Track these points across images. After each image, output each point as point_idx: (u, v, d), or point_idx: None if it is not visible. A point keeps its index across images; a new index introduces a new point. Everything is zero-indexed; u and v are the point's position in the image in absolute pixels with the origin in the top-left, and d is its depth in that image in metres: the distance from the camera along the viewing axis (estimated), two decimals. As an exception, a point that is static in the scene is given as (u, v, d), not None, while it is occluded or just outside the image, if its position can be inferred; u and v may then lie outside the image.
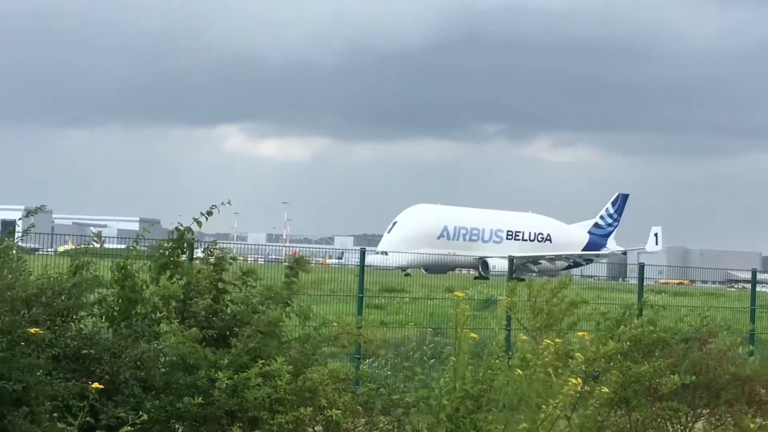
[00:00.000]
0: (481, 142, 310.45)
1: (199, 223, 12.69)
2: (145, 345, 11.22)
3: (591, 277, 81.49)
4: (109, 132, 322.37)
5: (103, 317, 11.79)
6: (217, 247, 13.14)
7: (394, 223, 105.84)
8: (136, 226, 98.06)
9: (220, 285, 12.51)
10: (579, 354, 11.37)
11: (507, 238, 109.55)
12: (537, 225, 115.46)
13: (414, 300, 28.32)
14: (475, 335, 11.55)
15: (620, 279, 78.19)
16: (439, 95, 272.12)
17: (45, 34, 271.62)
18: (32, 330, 10.62)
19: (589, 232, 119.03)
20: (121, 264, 11.78)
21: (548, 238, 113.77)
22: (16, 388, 10.40)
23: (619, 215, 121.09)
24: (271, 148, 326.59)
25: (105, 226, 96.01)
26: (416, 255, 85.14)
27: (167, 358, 11.35)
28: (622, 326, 14.77)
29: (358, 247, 28.42)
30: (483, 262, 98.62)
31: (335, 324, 13.27)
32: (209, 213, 12.78)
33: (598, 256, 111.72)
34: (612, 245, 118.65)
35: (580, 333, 13.23)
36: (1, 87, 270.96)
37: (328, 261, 64.89)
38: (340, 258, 68.36)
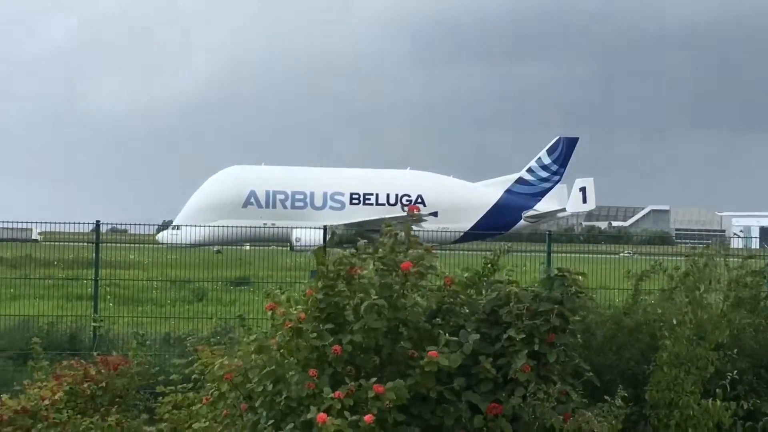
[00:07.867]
0: None
1: None
2: None
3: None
4: None
5: None
6: None
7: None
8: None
9: None
10: None
11: (352, 203, 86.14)
12: (403, 185, 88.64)
13: None
14: None
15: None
16: None
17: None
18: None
19: (509, 191, 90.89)
20: None
21: (420, 200, 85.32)
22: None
23: (562, 167, 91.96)
24: None
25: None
26: (212, 229, 59.99)
27: None
28: None
29: None
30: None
31: None
32: None
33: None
34: (549, 206, 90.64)
35: None
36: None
37: None
38: None
